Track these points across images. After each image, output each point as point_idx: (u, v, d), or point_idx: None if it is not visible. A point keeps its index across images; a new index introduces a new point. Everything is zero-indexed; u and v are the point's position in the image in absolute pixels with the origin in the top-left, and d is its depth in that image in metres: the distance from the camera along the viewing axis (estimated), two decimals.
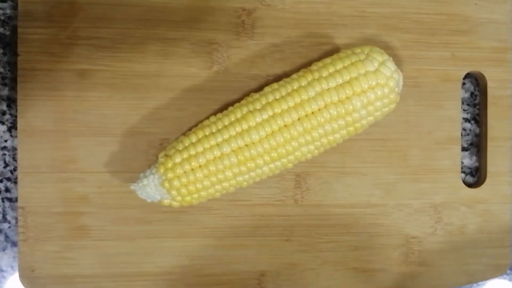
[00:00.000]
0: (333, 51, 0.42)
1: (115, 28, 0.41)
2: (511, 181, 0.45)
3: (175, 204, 0.39)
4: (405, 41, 0.44)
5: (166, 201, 0.39)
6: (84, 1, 0.40)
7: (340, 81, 0.38)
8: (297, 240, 0.43)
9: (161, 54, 0.41)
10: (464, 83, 0.46)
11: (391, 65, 0.39)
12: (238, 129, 0.38)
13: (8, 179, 0.42)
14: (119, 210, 0.41)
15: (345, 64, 0.38)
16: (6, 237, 0.42)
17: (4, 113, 0.42)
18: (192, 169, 0.37)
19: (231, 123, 0.38)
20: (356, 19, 0.43)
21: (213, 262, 0.42)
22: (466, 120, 0.47)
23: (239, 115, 0.38)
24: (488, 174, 0.45)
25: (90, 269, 0.41)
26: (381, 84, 0.38)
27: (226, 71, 0.42)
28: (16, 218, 0.42)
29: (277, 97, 0.38)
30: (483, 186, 0.45)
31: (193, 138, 0.38)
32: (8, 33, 0.42)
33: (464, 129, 0.46)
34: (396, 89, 0.39)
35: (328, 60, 0.40)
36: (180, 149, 0.38)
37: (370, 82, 0.38)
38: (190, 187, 0.38)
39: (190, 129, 0.41)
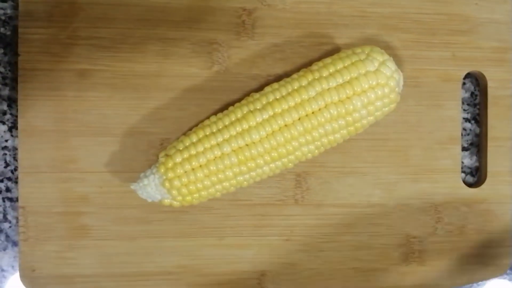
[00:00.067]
0: (333, 51, 0.42)
1: (115, 28, 0.41)
2: (511, 181, 0.45)
3: (175, 203, 0.39)
4: (405, 41, 0.44)
5: (167, 201, 0.39)
6: (84, 1, 0.40)
7: (340, 80, 0.38)
8: (298, 240, 0.43)
9: (161, 54, 0.41)
10: (464, 83, 0.46)
11: (391, 65, 0.39)
12: (239, 128, 0.38)
13: (9, 178, 0.42)
14: (120, 210, 0.41)
15: (346, 64, 0.38)
16: (7, 236, 0.42)
17: (4, 113, 0.42)
18: (193, 169, 0.37)
19: (232, 123, 0.38)
20: (356, 19, 0.43)
21: (213, 262, 0.42)
22: (466, 120, 0.47)
23: (239, 114, 0.38)
24: (489, 174, 0.45)
25: (90, 269, 0.41)
26: (382, 84, 0.38)
27: (226, 71, 0.42)
28: (16, 218, 0.42)
29: (278, 97, 0.38)
30: (483, 186, 0.45)
31: (194, 138, 0.38)
32: (8, 33, 0.42)
33: (464, 129, 0.46)
34: (397, 89, 0.39)
35: (328, 60, 0.40)
36: (181, 148, 0.38)
37: (370, 82, 0.38)
38: (191, 187, 0.38)
39: (190, 129, 0.41)
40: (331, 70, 0.39)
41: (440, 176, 0.44)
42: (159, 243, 0.42)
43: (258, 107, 0.38)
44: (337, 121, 0.38)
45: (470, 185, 0.45)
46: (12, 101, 0.42)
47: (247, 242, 0.43)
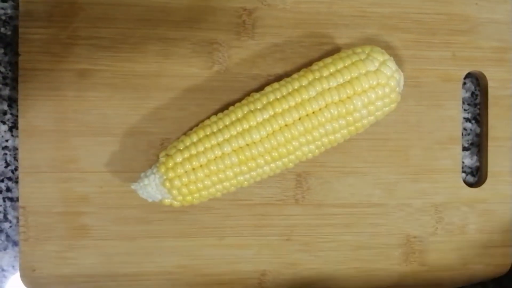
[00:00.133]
0: (334, 51, 0.42)
1: (116, 28, 0.41)
2: None
3: (176, 203, 0.39)
4: (405, 41, 0.44)
5: (167, 201, 0.39)
6: (84, 1, 0.40)
7: (341, 80, 0.38)
8: (298, 240, 0.43)
9: (161, 54, 0.41)
10: (464, 83, 0.46)
11: (392, 64, 0.39)
12: (239, 128, 0.38)
13: (9, 178, 0.42)
14: (120, 210, 0.41)
15: (346, 64, 0.38)
16: (7, 236, 0.42)
17: (5, 113, 0.42)
18: (193, 169, 0.37)
19: (232, 123, 0.38)
20: (357, 19, 0.43)
21: (214, 262, 0.42)
22: (466, 120, 0.47)
23: (240, 114, 0.38)
24: (489, 174, 0.45)
25: (90, 268, 0.41)
26: (382, 83, 0.38)
27: (226, 71, 0.42)
28: (17, 218, 0.42)
29: (278, 97, 0.38)
30: (483, 186, 0.45)
31: (194, 138, 0.38)
32: (9, 33, 0.42)
33: (464, 129, 0.46)
34: (397, 88, 0.39)
35: (329, 59, 0.40)
36: (181, 148, 0.38)
37: (371, 81, 0.38)
38: (191, 187, 0.38)
39: (191, 129, 0.41)
40: (331, 70, 0.39)
41: (441, 176, 0.44)
42: (160, 243, 0.42)
43: (258, 107, 0.38)
44: (337, 120, 0.38)
45: (470, 185, 0.45)
46: (12, 101, 0.42)
47: (247, 242, 0.43)
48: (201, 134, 0.38)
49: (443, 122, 0.44)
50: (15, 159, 0.42)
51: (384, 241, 0.44)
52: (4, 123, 0.42)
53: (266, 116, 0.38)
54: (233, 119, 0.38)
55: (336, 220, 0.43)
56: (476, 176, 0.47)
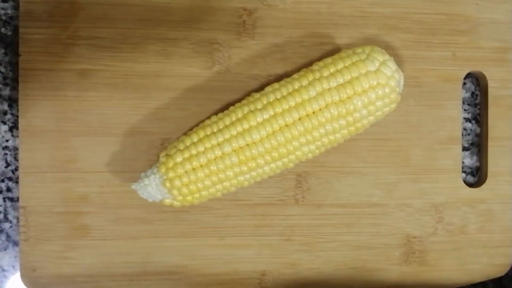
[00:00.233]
0: (334, 51, 0.42)
1: (116, 28, 0.41)
2: None
3: (176, 203, 0.39)
4: (406, 41, 0.44)
5: (167, 201, 0.39)
6: (84, 1, 0.40)
7: (341, 80, 0.38)
8: (298, 240, 0.43)
9: (161, 54, 0.41)
10: (465, 83, 0.46)
11: (392, 64, 0.39)
12: (239, 128, 0.38)
13: (10, 178, 0.42)
14: (120, 209, 0.41)
15: (346, 64, 0.38)
16: (8, 236, 0.42)
17: (5, 113, 0.42)
18: (193, 169, 0.38)
19: (232, 123, 0.38)
20: (357, 19, 0.43)
21: (214, 262, 0.42)
22: (467, 120, 0.47)
23: (240, 114, 0.38)
24: (489, 174, 0.45)
25: (91, 268, 0.41)
26: (382, 83, 0.38)
27: (227, 71, 0.42)
28: (17, 218, 0.42)
29: (278, 97, 0.38)
30: (484, 186, 0.45)
31: (194, 138, 0.38)
32: (9, 33, 0.42)
33: (465, 129, 0.46)
34: (397, 88, 0.39)
35: (329, 59, 0.40)
36: (181, 148, 0.38)
37: (371, 81, 0.38)
38: (191, 187, 0.38)
39: (191, 129, 0.41)
40: (331, 70, 0.39)
41: (441, 176, 0.44)
42: (160, 243, 0.42)
43: (258, 107, 0.38)
44: (337, 121, 0.38)
45: (470, 185, 0.46)
46: (13, 101, 0.42)
47: (247, 242, 0.43)
48: (201, 134, 0.38)
49: (443, 122, 0.44)
50: (16, 159, 0.42)
51: (384, 241, 0.44)
52: (4, 123, 0.42)
53: (266, 116, 0.38)
54: (233, 119, 0.38)
55: (336, 220, 0.43)
56: (476, 176, 0.47)
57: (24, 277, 0.40)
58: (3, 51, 0.42)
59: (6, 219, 0.42)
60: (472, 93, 0.47)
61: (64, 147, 0.40)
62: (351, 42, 0.43)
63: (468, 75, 0.46)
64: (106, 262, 0.41)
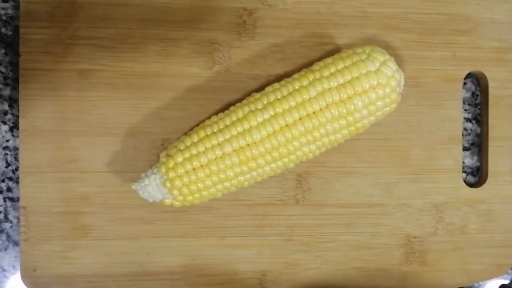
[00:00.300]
0: (334, 51, 0.42)
1: (116, 28, 0.41)
2: None
3: (176, 203, 0.39)
4: (406, 41, 0.44)
5: (168, 201, 0.39)
6: (85, 1, 0.40)
7: (341, 80, 0.38)
8: (298, 240, 0.43)
9: (162, 54, 0.41)
10: (465, 83, 0.46)
11: (392, 64, 0.39)
12: (240, 128, 0.38)
13: (10, 178, 0.42)
14: (121, 209, 0.41)
15: (347, 64, 0.38)
16: (8, 236, 0.42)
17: (6, 113, 0.42)
18: (194, 169, 0.38)
19: (233, 123, 0.38)
20: (357, 19, 0.43)
21: (214, 262, 0.42)
22: (467, 120, 0.47)
23: (240, 114, 0.38)
24: (489, 174, 0.45)
25: (91, 268, 0.41)
26: (382, 83, 0.38)
27: (227, 71, 0.42)
28: (17, 218, 0.42)
29: (279, 97, 0.38)
30: (484, 186, 0.45)
31: (195, 138, 0.38)
32: (10, 33, 0.42)
33: (465, 129, 0.46)
34: (397, 88, 0.39)
35: (329, 59, 0.40)
36: (182, 148, 0.38)
37: (371, 81, 0.38)
38: (192, 187, 0.38)
39: (191, 129, 0.41)
40: (332, 70, 0.39)
41: (441, 176, 0.44)
42: (160, 243, 0.42)
43: (259, 107, 0.38)
44: (338, 121, 0.38)
45: (471, 185, 0.46)
46: (13, 101, 0.42)
47: (248, 242, 0.43)
48: (202, 134, 0.38)
49: (444, 122, 0.44)
50: (16, 159, 0.42)
51: (384, 241, 0.44)
52: (5, 123, 0.42)
53: (266, 116, 0.38)
54: (234, 119, 0.38)
55: (336, 220, 0.43)
56: (477, 176, 0.47)
57: (24, 277, 0.40)
58: (3, 51, 0.42)
59: (6, 219, 0.42)
60: (473, 93, 0.47)
61: (64, 147, 0.40)
62: (351, 42, 0.43)
63: (469, 75, 0.46)
64: (106, 262, 0.41)
